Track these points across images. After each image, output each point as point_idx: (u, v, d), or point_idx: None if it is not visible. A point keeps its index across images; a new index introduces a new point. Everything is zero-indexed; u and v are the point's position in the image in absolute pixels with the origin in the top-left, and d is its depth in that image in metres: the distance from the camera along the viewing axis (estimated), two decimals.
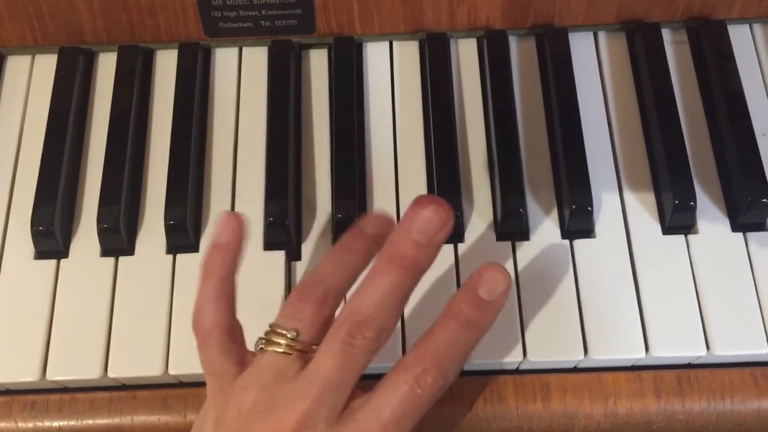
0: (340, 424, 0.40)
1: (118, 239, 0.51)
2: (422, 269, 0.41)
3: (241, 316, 0.49)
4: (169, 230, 0.51)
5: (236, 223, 0.44)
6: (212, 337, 0.43)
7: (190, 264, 0.51)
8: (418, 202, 0.41)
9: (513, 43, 0.58)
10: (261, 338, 0.42)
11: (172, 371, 0.48)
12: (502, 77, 0.55)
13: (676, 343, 0.48)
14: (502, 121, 0.53)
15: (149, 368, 0.48)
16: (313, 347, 0.41)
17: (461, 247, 0.51)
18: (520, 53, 0.58)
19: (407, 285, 0.40)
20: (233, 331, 0.44)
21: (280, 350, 0.41)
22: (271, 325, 0.42)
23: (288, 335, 0.41)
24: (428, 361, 0.39)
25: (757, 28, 0.58)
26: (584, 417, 0.50)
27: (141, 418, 0.50)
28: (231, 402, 0.41)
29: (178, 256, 0.51)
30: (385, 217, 0.45)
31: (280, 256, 0.51)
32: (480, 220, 0.52)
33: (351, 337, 0.39)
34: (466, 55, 0.58)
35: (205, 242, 0.52)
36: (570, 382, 0.50)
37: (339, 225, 0.51)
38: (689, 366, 0.50)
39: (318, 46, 0.58)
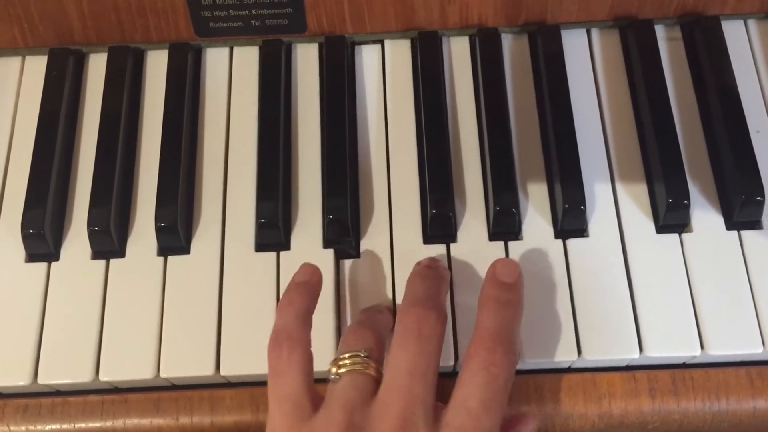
0: (440, 422, 0.41)
1: (108, 242, 0.51)
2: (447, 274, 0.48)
3: (233, 318, 0.50)
4: (160, 232, 0.50)
5: (314, 269, 0.47)
6: (294, 355, 0.42)
7: (181, 266, 0.51)
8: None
9: (506, 40, 0.57)
10: (331, 370, 0.43)
11: (163, 374, 0.48)
12: (495, 75, 0.54)
13: (670, 342, 0.48)
14: (495, 119, 0.53)
15: (141, 371, 0.48)
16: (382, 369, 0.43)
17: (454, 247, 0.51)
18: (513, 51, 0.57)
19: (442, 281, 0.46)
20: (311, 359, 0.43)
21: (357, 368, 0.42)
22: (336, 357, 0.43)
23: (361, 354, 0.42)
24: (489, 341, 0.42)
25: (752, 23, 0.57)
26: (578, 417, 0.50)
27: (133, 421, 0.50)
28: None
29: (169, 258, 0.51)
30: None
31: (271, 257, 0.51)
32: (473, 219, 0.52)
33: (419, 321, 0.42)
34: (458, 53, 0.57)
35: (197, 244, 0.51)
36: (564, 382, 0.50)
37: (330, 225, 0.50)
38: (684, 366, 0.50)
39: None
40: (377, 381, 0.42)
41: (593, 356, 0.48)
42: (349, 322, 0.49)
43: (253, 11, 0.55)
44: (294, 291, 0.45)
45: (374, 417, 0.40)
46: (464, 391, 0.41)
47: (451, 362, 0.48)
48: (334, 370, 0.43)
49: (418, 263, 0.48)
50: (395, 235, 0.51)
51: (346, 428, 0.40)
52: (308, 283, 0.46)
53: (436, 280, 0.46)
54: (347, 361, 0.42)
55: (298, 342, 0.43)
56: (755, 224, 0.51)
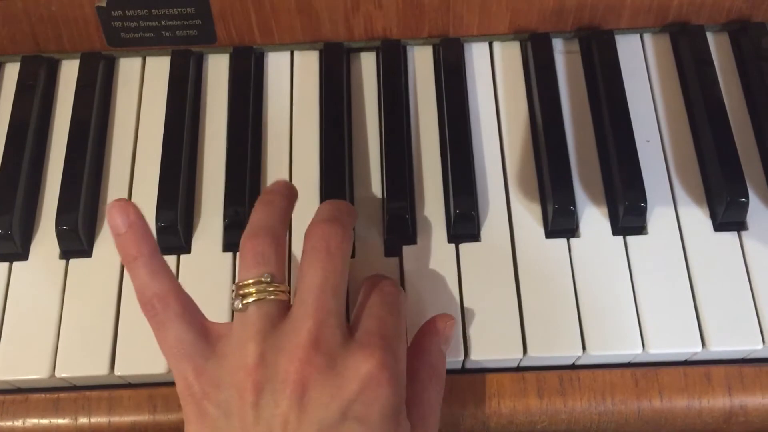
0: (351, 331, 0.42)
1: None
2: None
3: (130, 319, 0.51)
4: (61, 237, 0.52)
5: (127, 210, 0.43)
6: (169, 308, 0.41)
7: (82, 268, 0.52)
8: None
9: (411, 52, 0.59)
10: (233, 300, 0.41)
11: (59, 373, 0.49)
12: (396, 85, 0.56)
13: (612, 343, 0.49)
14: (393, 128, 0.54)
15: (37, 371, 0.49)
16: (288, 288, 0.42)
17: (413, 249, 0.52)
18: (419, 62, 0.59)
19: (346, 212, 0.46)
20: (188, 299, 0.42)
21: (261, 296, 0.41)
22: (238, 283, 0.42)
23: (262, 279, 0.41)
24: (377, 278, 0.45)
25: (648, 37, 0.59)
26: (469, 417, 0.51)
27: (33, 421, 0.50)
28: (227, 370, 0.40)
29: (71, 261, 0.52)
30: (286, 182, 0.48)
31: (171, 260, 0.52)
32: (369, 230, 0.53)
33: (324, 237, 0.42)
34: (365, 64, 0.59)
35: (99, 247, 0.53)
36: (456, 382, 0.51)
37: (227, 230, 0.52)
38: (572, 366, 0.52)
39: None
40: (283, 301, 0.42)
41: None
42: None
43: (163, 22, 0.57)
44: (125, 244, 0.43)
45: (287, 335, 0.40)
46: (365, 302, 0.44)
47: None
48: (238, 301, 0.41)
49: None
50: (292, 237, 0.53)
51: (260, 356, 0.39)
52: (132, 228, 0.42)
53: (344, 206, 0.46)
54: (251, 289, 0.41)
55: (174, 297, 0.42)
56: (640, 230, 0.52)
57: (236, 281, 0.42)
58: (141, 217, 0.43)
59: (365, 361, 0.40)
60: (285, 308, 0.42)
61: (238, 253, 0.50)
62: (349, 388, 0.39)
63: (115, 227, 0.42)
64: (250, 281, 0.41)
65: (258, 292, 0.41)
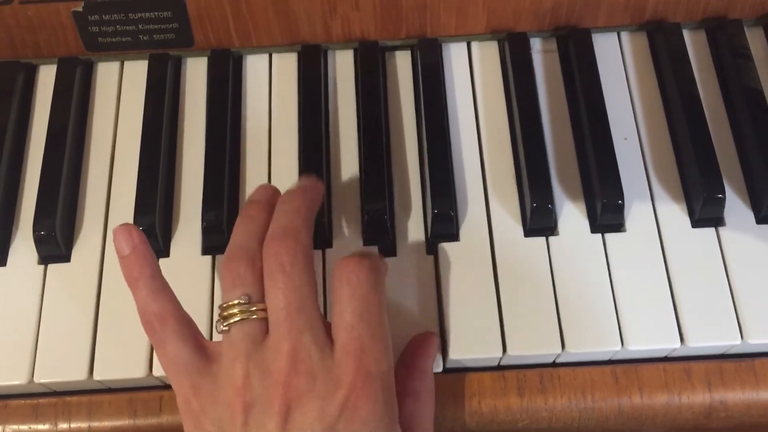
0: (330, 344, 0.42)
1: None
2: (316, 193, 0.48)
3: (109, 324, 0.51)
4: (37, 242, 0.51)
5: (131, 233, 0.45)
6: (167, 327, 0.43)
7: (60, 273, 0.52)
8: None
9: (391, 53, 0.59)
10: (218, 321, 0.43)
11: (38, 379, 0.49)
12: (373, 86, 0.56)
13: (591, 340, 0.49)
14: (370, 130, 0.54)
15: (15, 376, 0.49)
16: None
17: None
18: (398, 63, 0.59)
19: (306, 202, 0.46)
20: (187, 319, 0.45)
21: (242, 317, 0.42)
22: (220, 306, 0.43)
23: (241, 301, 0.43)
24: (348, 256, 0.44)
25: (625, 35, 0.59)
26: (450, 417, 0.51)
27: (12, 427, 0.50)
28: (220, 388, 0.42)
29: (48, 266, 0.52)
30: (268, 186, 0.50)
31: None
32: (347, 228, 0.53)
33: (278, 257, 0.43)
34: (342, 65, 0.59)
35: (77, 252, 0.53)
36: (436, 382, 0.51)
37: (206, 233, 0.52)
38: (553, 365, 0.52)
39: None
40: (264, 318, 0.43)
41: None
42: None
43: (140, 26, 0.57)
44: (129, 267, 0.45)
45: (268, 358, 0.42)
46: (336, 309, 0.43)
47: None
48: (221, 324, 0.43)
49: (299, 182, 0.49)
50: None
51: (246, 376, 0.41)
52: (135, 251, 0.45)
53: (296, 202, 0.46)
54: (233, 311, 0.43)
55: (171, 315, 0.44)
56: (619, 227, 0.52)
57: (219, 304, 0.44)
58: (144, 240, 0.45)
59: (342, 379, 0.41)
60: (265, 323, 0.43)
61: (218, 270, 0.50)
62: (330, 408, 0.40)
63: (119, 249, 0.45)
64: (232, 302, 0.43)
65: (240, 312, 0.43)
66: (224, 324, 0.43)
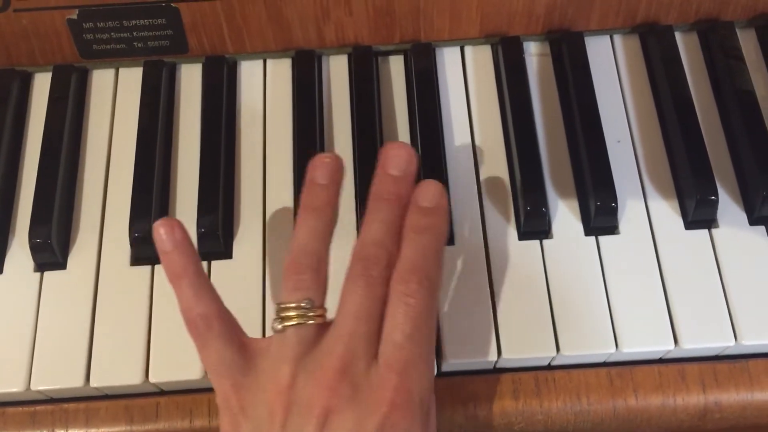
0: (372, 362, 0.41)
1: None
2: (406, 198, 0.45)
3: (106, 330, 0.51)
4: (34, 249, 0.52)
5: (173, 229, 0.45)
6: (212, 329, 0.43)
7: (57, 280, 0.52)
8: (385, 147, 0.46)
9: (384, 57, 0.60)
10: (275, 320, 0.43)
11: (35, 386, 0.49)
12: (367, 91, 0.56)
13: (585, 343, 0.50)
14: (364, 135, 0.55)
15: (12, 384, 0.49)
16: (326, 311, 0.43)
17: None
18: (392, 68, 0.59)
19: (398, 215, 0.45)
20: (230, 318, 0.44)
21: (300, 321, 0.42)
22: (279, 305, 0.43)
23: (302, 305, 0.43)
24: (405, 273, 0.43)
25: (617, 38, 0.60)
26: (446, 420, 0.51)
27: None
28: (261, 388, 0.41)
29: (45, 274, 0.52)
30: (330, 158, 0.47)
31: (146, 271, 0.52)
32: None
33: (366, 270, 0.42)
34: (336, 70, 0.59)
35: (73, 259, 0.53)
36: None
37: (201, 240, 0.52)
38: (548, 367, 0.52)
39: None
40: (321, 324, 0.43)
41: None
42: None
43: (135, 33, 0.57)
44: (172, 263, 0.44)
45: (319, 359, 0.41)
46: (388, 325, 0.42)
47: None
48: (277, 322, 0.43)
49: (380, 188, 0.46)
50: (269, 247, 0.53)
51: (292, 378, 0.41)
52: (178, 247, 0.44)
53: (390, 223, 0.45)
54: (292, 313, 0.43)
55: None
56: (612, 229, 0.53)
57: (278, 302, 0.43)
58: (187, 236, 0.45)
59: (382, 400, 0.40)
60: (321, 331, 0.43)
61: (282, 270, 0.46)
62: (368, 421, 0.40)
63: (161, 245, 0.44)
64: (291, 305, 0.43)
65: (298, 316, 0.42)
66: (280, 324, 0.43)
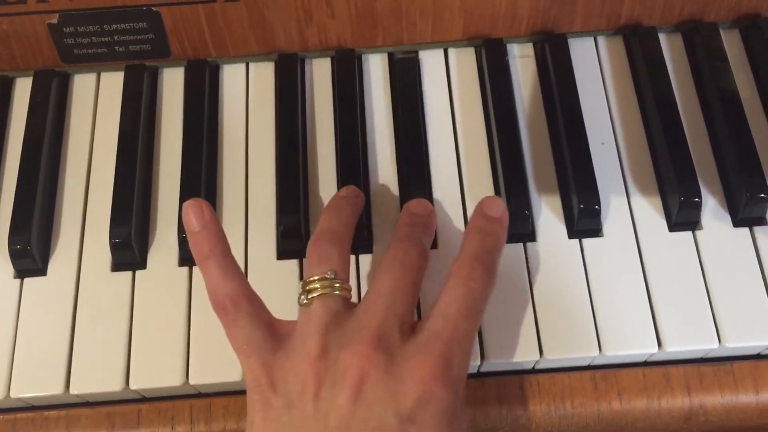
0: (414, 333, 0.42)
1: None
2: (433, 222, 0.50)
3: (85, 336, 0.50)
4: (14, 256, 0.51)
5: (202, 209, 0.45)
6: (241, 309, 0.43)
7: (37, 287, 0.52)
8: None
9: (366, 61, 0.59)
10: (300, 295, 0.43)
11: (14, 394, 0.49)
12: (349, 94, 0.56)
13: (569, 346, 0.49)
14: (347, 138, 0.54)
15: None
16: (351, 288, 0.45)
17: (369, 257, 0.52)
18: (377, 67, 0.59)
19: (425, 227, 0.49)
20: (257, 298, 0.45)
21: (324, 292, 0.43)
22: (303, 281, 0.44)
23: (326, 276, 0.44)
24: (470, 261, 0.45)
25: (601, 40, 0.59)
26: None
27: None
28: (292, 364, 0.42)
29: (25, 280, 0.52)
30: (355, 188, 0.51)
31: (127, 276, 0.52)
32: None
33: (406, 253, 0.45)
34: (320, 73, 0.59)
35: (54, 265, 0.52)
36: None
37: (182, 245, 0.51)
38: (532, 371, 0.52)
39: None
40: (346, 298, 0.44)
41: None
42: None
43: (116, 37, 0.57)
44: (197, 243, 0.45)
45: (351, 332, 0.42)
46: (443, 301, 0.43)
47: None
48: (303, 297, 0.44)
49: (408, 209, 0.50)
50: (250, 249, 0.53)
51: (323, 348, 0.41)
52: (206, 228, 0.45)
53: (422, 227, 0.49)
54: (316, 285, 0.43)
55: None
56: (596, 232, 0.52)
57: (303, 279, 0.44)
58: (215, 217, 0.45)
59: (422, 367, 0.41)
60: (348, 305, 0.44)
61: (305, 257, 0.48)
62: (404, 391, 0.40)
63: (189, 225, 0.45)
64: (315, 278, 0.44)
65: (322, 287, 0.43)
66: (306, 297, 0.43)
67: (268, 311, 0.45)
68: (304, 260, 0.45)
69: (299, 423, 0.40)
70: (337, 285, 0.43)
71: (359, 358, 0.40)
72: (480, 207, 0.48)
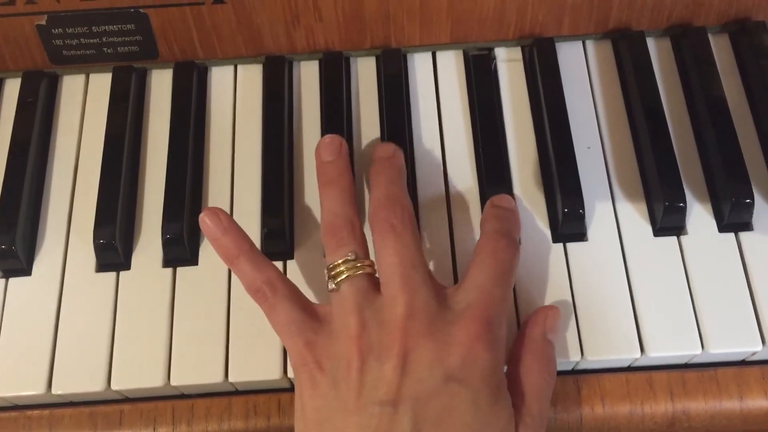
0: (448, 300, 0.45)
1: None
2: (401, 161, 0.51)
3: (68, 337, 0.50)
4: (2, 256, 0.51)
5: (219, 217, 0.47)
6: (278, 292, 0.45)
7: (21, 287, 0.52)
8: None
9: (354, 64, 0.59)
10: (328, 281, 0.45)
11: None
12: (336, 96, 0.56)
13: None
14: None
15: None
16: (373, 263, 0.46)
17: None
18: (362, 73, 0.59)
19: (397, 171, 0.50)
20: (292, 283, 0.47)
21: (350, 274, 0.45)
22: (328, 268, 0.46)
23: (348, 258, 0.45)
24: (494, 236, 0.47)
25: (589, 44, 0.59)
26: None
27: None
28: (335, 342, 0.43)
29: (10, 280, 0.52)
30: (329, 138, 0.51)
31: (111, 277, 0.52)
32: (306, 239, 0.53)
33: (388, 220, 0.46)
34: (307, 76, 0.59)
35: (39, 266, 0.53)
36: None
37: (166, 246, 0.52)
38: None
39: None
40: (372, 274, 0.46)
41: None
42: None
43: (104, 39, 0.57)
44: (225, 244, 0.47)
45: (383, 311, 0.43)
46: (473, 274, 0.45)
47: None
48: (330, 282, 0.45)
49: (380, 153, 0.51)
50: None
51: (362, 325, 0.43)
52: (227, 231, 0.47)
53: (391, 172, 0.49)
54: (341, 268, 0.45)
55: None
56: (581, 236, 0.52)
57: (327, 266, 0.46)
58: (232, 220, 0.48)
59: (465, 328, 0.43)
60: (375, 282, 0.45)
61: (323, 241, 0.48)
62: (449, 352, 0.42)
63: (212, 234, 0.47)
64: (338, 262, 0.45)
65: (347, 270, 0.45)
66: (333, 283, 0.45)
67: (303, 295, 0.46)
68: (323, 248, 0.47)
69: (347, 396, 0.42)
70: (360, 264, 0.45)
71: (399, 332, 0.42)
72: (491, 201, 0.50)
